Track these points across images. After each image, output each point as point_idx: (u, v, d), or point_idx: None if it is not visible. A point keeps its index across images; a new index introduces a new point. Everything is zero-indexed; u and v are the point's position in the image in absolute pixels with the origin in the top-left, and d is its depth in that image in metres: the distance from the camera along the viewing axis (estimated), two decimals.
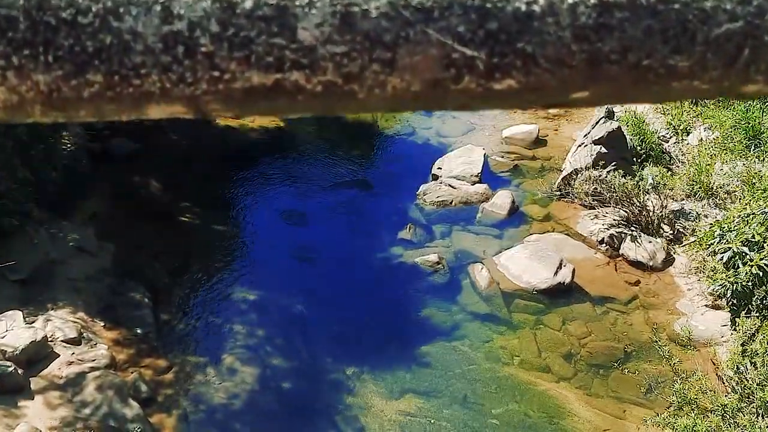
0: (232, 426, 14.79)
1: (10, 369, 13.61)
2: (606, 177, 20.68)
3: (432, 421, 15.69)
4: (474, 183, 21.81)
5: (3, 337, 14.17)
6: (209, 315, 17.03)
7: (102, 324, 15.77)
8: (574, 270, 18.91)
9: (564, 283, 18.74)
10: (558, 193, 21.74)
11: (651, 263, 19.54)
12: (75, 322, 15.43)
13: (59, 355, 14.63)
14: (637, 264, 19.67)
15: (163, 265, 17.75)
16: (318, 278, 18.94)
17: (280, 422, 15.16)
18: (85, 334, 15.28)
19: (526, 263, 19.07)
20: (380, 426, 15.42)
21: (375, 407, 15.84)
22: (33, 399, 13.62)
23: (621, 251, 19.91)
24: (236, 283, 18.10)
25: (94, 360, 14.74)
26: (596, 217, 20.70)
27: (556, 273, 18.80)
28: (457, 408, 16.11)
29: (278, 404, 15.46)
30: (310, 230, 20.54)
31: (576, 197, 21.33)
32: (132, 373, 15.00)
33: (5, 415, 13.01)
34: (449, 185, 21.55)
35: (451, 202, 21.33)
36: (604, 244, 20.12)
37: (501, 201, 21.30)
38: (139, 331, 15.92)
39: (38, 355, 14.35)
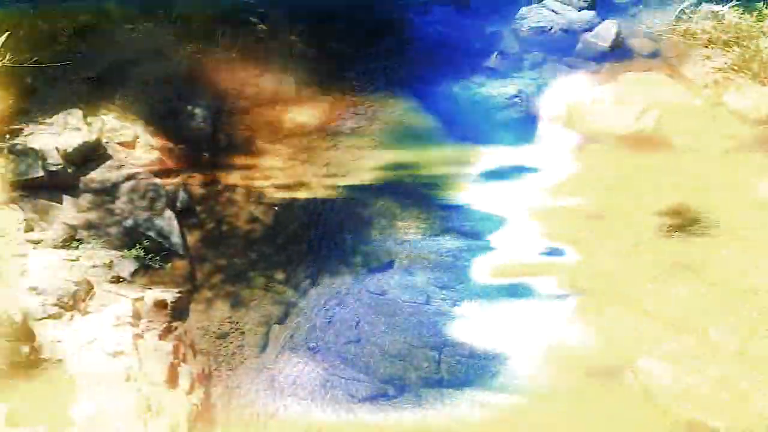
0: (264, 243, 15.30)
1: (61, 166, 14.49)
2: (725, 15, 18.63)
3: (462, 264, 15.54)
4: (581, 9, 20.23)
5: (59, 135, 15.02)
6: (268, 134, 17.18)
7: (159, 130, 16.26)
8: (659, 116, 17.53)
9: (646, 129, 17.49)
10: (674, 27, 19.82)
11: (753, 115, 17.78)
12: (133, 125, 16.06)
13: (111, 157, 15.35)
14: (737, 115, 17.95)
15: (234, 78, 17.90)
16: (391, 97, 18.60)
17: (315, 247, 15.54)
18: (140, 138, 15.91)
19: (610, 104, 17.87)
20: (410, 262, 15.43)
21: (410, 242, 15.79)
22: (79, 198, 14.55)
23: (723, 99, 18.16)
24: (299, 103, 18.02)
25: (143, 165, 15.41)
26: (707, 58, 18.85)
27: (639, 118, 17.54)
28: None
29: (316, 230, 15.76)
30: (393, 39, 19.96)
31: (691, 35, 19.40)
32: (178, 182, 15.58)
33: (47, 210, 14.07)
34: (552, 10, 20.11)
35: (550, 29, 20.00)
36: (707, 89, 18.42)
37: (605, 32, 19.73)
38: (194, 142, 16.39)
39: (90, 155, 15.05)
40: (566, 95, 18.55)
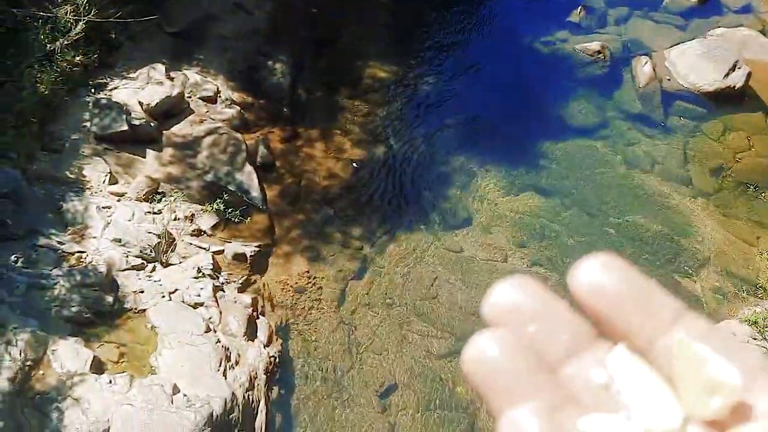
0: (342, 198, 15.32)
1: (143, 120, 14.72)
2: None
3: (543, 222, 15.36)
4: None
5: (142, 89, 15.24)
6: (348, 90, 17.17)
7: (240, 85, 16.38)
8: (749, 74, 16.91)
9: (735, 87, 16.92)
10: None
11: None
12: (214, 80, 16.21)
13: (193, 112, 15.51)
14: None
15: (313, 35, 17.88)
16: (471, 53, 18.36)
17: (392, 203, 15.50)
18: (221, 93, 16.06)
19: (696, 61, 17.29)
20: (488, 219, 15.32)
21: (489, 199, 15.68)
22: (161, 151, 14.77)
23: None
24: (380, 59, 17.91)
25: (224, 120, 15.55)
26: None
27: (727, 75, 16.95)
28: (575, 212, 15.61)
29: (394, 186, 15.71)
30: None
31: None
32: (258, 137, 15.70)
33: (130, 164, 14.33)
34: None
35: None
36: None
37: None
38: (274, 97, 16.47)
39: (173, 109, 15.23)
40: (652, 51, 18.01)
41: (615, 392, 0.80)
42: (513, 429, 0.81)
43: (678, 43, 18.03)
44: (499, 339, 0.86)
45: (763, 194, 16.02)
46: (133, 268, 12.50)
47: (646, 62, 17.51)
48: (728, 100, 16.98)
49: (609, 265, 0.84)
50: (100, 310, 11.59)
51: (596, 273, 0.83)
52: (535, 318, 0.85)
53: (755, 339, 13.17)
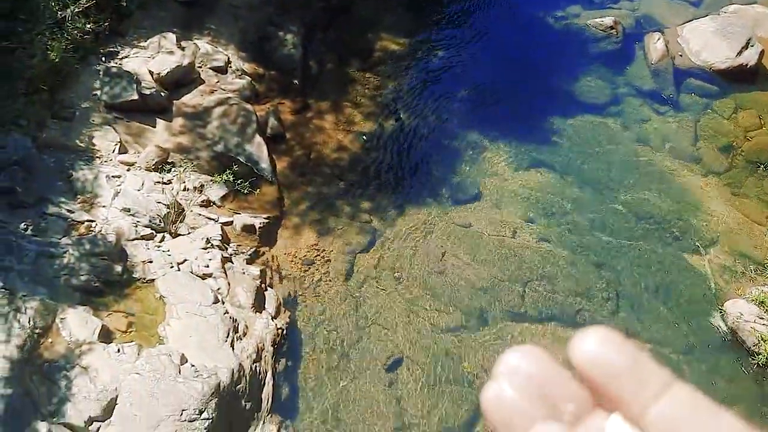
0: (352, 171, 15.30)
1: (153, 90, 14.67)
2: None
3: (551, 198, 15.33)
4: None
5: (153, 58, 15.18)
6: (359, 62, 17.08)
7: (250, 56, 16.30)
8: (762, 52, 16.78)
9: (747, 65, 16.79)
10: None
11: None
12: (225, 50, 16.14)
13: (204, 82, 15.46)
14: None
15: (324, 5, 17.75)
16: (483, 26, 18.23)
17: (402, 177, 15.46)
18: (232, 64, 15.99)
19: (709, 38, 17.15)
20: (497, 194, 15.30)
21: (499, 175, 15.65)
22: (171, 121, 14.73)
23: None
24: (392, 30, 17.79)
25: (235, 91, 15.49)
26: None
27: (740, 53, 16.82)
28: (583, 189, 15.58)
29: (403, 160, 15.68)
30: None
31: None
32: (268, 108, 15.65)
33: (140, 133, 14.30)
34: None
35: None
36: None
37: None
38: (284, 69, 16.40)
39: (183, 79, 15.18)
40: (665, 27, 17.86)
41: None
42: None
43: (691, 20, 17.90)
44: (516, 385, 0.92)
45: None
46: (142, 237, 12.52)
47: (658, 38, 17.38)
48: (740, 77, 16.87)
49: (606, 338, 0.91)
50: (109, 280, 11.63)
51: (595, 345, 0.91)
52: (542, 386, 0.92)
53: (762, 318, 13.19)
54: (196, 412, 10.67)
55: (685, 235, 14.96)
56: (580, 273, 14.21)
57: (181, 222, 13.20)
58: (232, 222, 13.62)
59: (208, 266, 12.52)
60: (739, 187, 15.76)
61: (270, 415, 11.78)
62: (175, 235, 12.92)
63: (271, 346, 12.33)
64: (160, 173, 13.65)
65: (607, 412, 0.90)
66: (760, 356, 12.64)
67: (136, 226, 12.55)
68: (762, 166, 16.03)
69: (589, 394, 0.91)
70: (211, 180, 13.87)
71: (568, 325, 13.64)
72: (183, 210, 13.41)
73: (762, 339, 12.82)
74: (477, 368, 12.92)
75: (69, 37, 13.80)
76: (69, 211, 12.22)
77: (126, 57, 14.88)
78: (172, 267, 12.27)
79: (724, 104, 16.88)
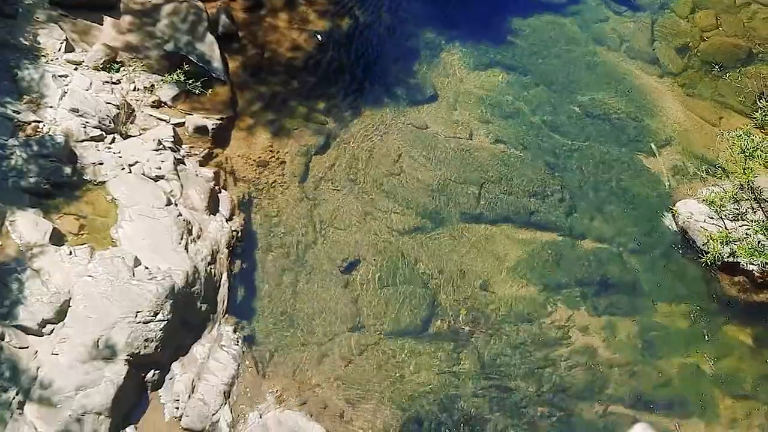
0: (306, 71, 15.00)
1: None
2: None
3: (508, 99, 15.25)
4: None
5: None
6: None
7: None
8: None
9: None
10: None
11: None
12: None
13: None
14: None
15: None
16: None
17: (357, 77, 15.16)
18: None
19: None
20: (454, 95, 15.15)
21: (455, 75, 15.47)
22: (119, 19, 14.22)
23: None
24: None
25: None
26: None
27: None
28: (541, 89, 15.50)
29: (359, 60, 15.35)
30: None
31: None
32: (220, 5, 15.14)
33: (86, 31, 13.82)
34: None
35: None
36: None
37: None
38: None
39: None
40: None
41: None
42: None
43: None
44: None
45: (727, 74, 16.01)
46: (92, 139, 12.24)
47: None
48: None
49: None
50: (59, 182, 11.40)
51: None
52: None
53: (711, 218, 13.39)
54: (151, 314, 10.65)
55: (640, 135, 15.04)
56: (535, 174, 14.26)
57: (131, 123, 12.92)
58: (184, 123, 13.36)
59: (160, 168, 12.31)
60: (693, 88, 15.82)
61: (226, 317, 11.81)
62: (126, 137, 12.65)
63: (226, 248, 12.27)
64: (108, 72, 13.28)
65: None
66: (709, 255, 12.85)
67: (85, 127, 12.25)
68: (717, 66, 16.05)
69: None
70: (162, 80, 13.53)
71: (523, 225, 13.75)
72: (133, 111, 13.11)
73: (711, 238, 13.01)
74: (432, 269, 13.01)
75: None
76: (15, 111, 11.88)
77: None
78: (123, 169, 12.05)
79: (682, 4, 16.79)
